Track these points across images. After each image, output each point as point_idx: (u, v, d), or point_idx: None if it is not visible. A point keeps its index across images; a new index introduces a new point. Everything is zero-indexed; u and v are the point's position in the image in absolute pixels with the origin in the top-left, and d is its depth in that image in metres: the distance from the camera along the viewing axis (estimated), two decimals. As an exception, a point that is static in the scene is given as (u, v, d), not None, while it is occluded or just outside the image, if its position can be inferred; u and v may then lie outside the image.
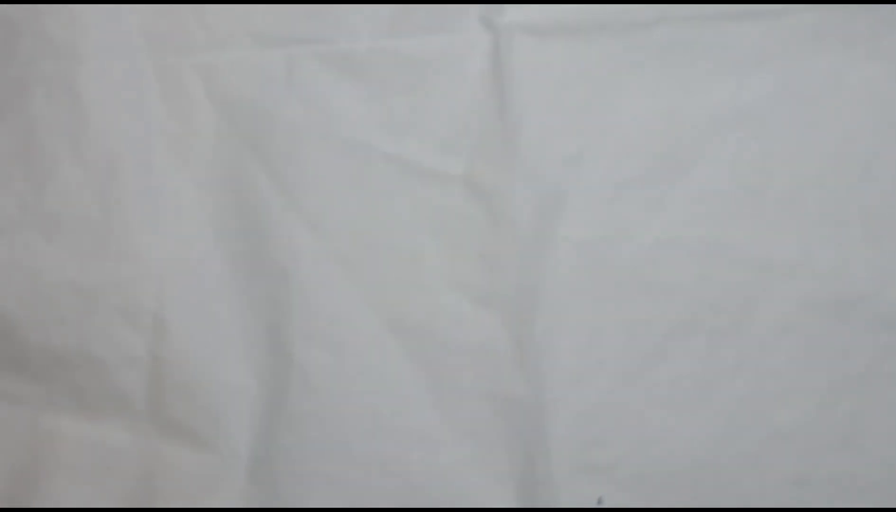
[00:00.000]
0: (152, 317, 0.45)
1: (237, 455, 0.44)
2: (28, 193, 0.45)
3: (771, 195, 0.43)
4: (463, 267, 0.44)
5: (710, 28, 0.43)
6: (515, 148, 0.44)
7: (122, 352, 0.45)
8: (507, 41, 0.43)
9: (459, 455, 0.43)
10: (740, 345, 0.43)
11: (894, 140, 0.43)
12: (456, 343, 0.44)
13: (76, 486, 0.45)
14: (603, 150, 0.44)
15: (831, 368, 0.43)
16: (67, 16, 0.44)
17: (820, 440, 0.43)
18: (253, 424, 0.44)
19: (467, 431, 0.43)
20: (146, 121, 0.45)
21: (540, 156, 0.44)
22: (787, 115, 0.43)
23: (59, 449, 0.45)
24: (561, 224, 0.43)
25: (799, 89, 0.43)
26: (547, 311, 0.43)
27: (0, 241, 0.45)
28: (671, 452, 0.43)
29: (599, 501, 0.42)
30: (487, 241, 0.44)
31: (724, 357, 0.43)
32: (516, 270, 0.43)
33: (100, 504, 0.44)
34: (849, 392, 0.43)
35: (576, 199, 0.43)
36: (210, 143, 0.45)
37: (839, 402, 0.43)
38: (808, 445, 0.43)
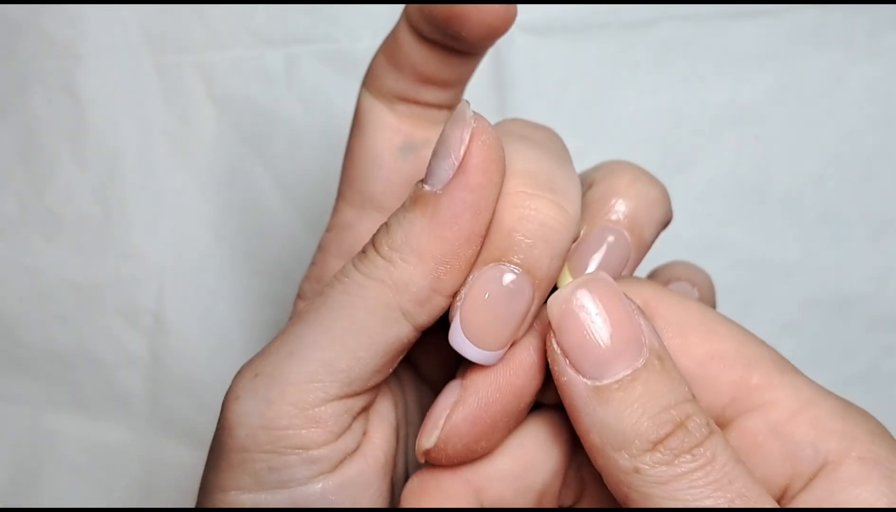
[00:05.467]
0: (152, 317, 0.45)
1: (237, 455, 0.44)
2: (28, 193, 0.45)
3: (771, 195, 0.43)
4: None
5: (710, 27, 0.43)
6: (515, 148, 0.44)
7: (122, 352, 0.45)
8: (507, 40, 0.43)
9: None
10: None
11: (894, 140, 0.43)
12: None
13: (76, 485, 0.45)
14: (603, 149, 0.44)
15: (831, 368, 0.43)
16: (67, 16, 0.44)
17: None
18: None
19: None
20: (146, 121, 0.45)
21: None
22: (787, 115, 0.43)
23: (59, 448, 0.45)
24: (561, 224, 0.43)
25: (799, 89, 0.43)
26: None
27: (0, 240, 0.45)
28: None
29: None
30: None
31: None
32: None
33: (100, 503, 0.45)
34: (849, 392, 0.43)
35: (576, 198, 0.43)
36: (210, 142, 0.45)
37: (839, 401, 0.43)
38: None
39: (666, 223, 0.27)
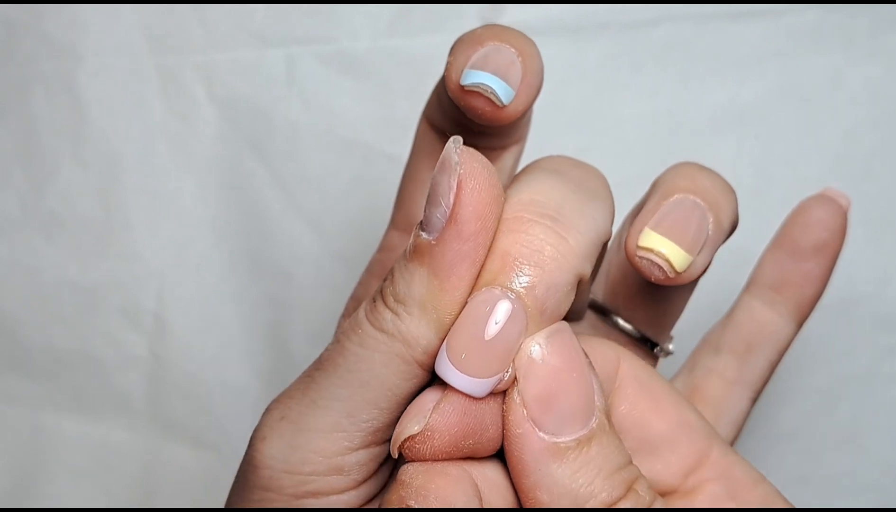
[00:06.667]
0: (152, 317, 0.45)
1: (237, 455, 0.44)
2: (28, 193, 0.45)
3: (771, 195, 0.43)
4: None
5: (710, 28, 0.43)
6: (515, 148, 0.44)
7: (122, 352, 0.45)
8: (507, 41, 0.43)
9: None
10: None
11: (894, 140, 0.43)
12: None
13: (76, 485, 0.45)
14: (603, 149, 0.44)
15: (832, 368, 0.43)
16: (67, 16, 0.44)
17: (820, 440, 0.43)
18: (253, 424, 0.44)
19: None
20: (146, 121, 0.45)
21: (540, 155, 0.44)
22: (787, 115, 0.43)
23: (59, 449, 0.45)
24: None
25: (799, 89, 0.43)
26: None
27: (0, 240, 0.45)
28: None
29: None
30: (487, 240, 0.44)
31: (724, 357, 0.43)
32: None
33: (100, 504, 0.45)
34: (849, 392, 0.43)
35: (576, 198, 0.43)
36: (210, 143, 0.45)
37: (839, 402, 0.43)
38: (809, 445, 0.43)
39: (735, 223, 0.26)
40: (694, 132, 0.44)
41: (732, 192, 0.26)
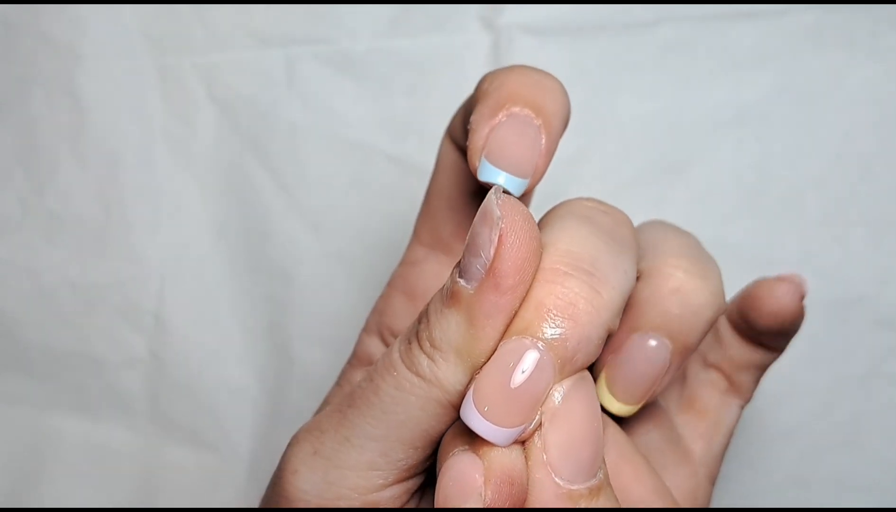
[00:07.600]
0: (152, 317, 0.45)
1: (237, 455, 0.44)
2: (28, 193, 0.45)
3: (771, 195, 0.43)
4: (463, 267, 0.44)
5: (710, 28, 0.43)
6: (515, 148, 0.43)
7: (122, 352, 0.45)
8: (507, 41, 0.43)
9: (459, 455, 0.43)
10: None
11: (894, 140, 0.43)
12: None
13: (76, 485, 0.45)
14: (603, 149, 0.44)
15: (831, 368, 0.43)
16: (67, 16, 0.44)
17: (820, 440, 0.43)
18: (253, 424, 0.44)
19: (467, 431, 0.43)
20: (146, 121, 0.45)
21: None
22: (787, 115, 0.43)
23: (59, 449, 0.45)
24: (561, 224, 0.43)
25: (799, 89, 0.43)
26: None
27: (0, 240, 0.45)
28: (671, 452, 0.43)
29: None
30: (487, 241, 0.44)
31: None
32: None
33: (100, 504, 0.45)
34: (849, 392, 0.43)
35: (576, 199, 0.43)
36: (210, 143, 0.45)
37: (839, 402, 0.43)
38: (808, 445, 0.43)
39: (717, 317, 0.26)
40: (694, 132, 0.44)
41: (715, 294, 0.26)
